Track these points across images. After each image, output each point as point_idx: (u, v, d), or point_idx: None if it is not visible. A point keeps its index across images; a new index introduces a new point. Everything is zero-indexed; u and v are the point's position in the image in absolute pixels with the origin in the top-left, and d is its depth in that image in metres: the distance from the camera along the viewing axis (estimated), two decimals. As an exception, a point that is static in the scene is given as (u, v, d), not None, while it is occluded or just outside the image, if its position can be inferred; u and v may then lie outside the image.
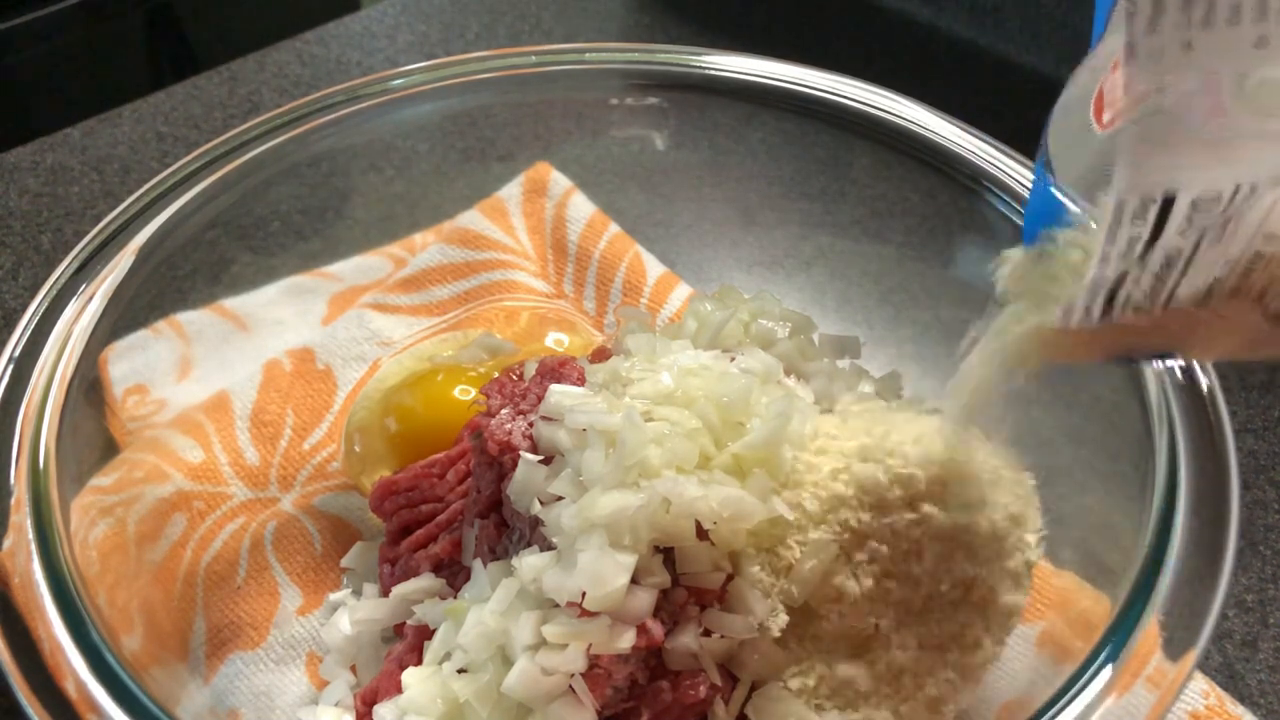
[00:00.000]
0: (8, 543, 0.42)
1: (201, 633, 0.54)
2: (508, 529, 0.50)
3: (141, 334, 0.56)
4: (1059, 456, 0.53)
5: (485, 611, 0.44)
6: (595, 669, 0.42)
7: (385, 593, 0.54)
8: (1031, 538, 0.47)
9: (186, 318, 0.62)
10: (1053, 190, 0.39)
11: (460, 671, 0.44)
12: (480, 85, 0.65)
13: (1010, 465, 0.50)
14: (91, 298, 0.51)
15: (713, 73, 0.65)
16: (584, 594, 0.41)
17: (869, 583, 0.45)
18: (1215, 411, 0.46)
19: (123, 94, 0.97)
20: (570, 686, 0.42)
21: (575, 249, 0.75)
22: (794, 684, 0.45)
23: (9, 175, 0.87)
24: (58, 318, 0.49)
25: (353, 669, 0.53)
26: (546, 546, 0.45)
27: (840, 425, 0.50)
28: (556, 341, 0.68)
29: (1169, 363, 0.47)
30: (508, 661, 0.43)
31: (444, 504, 0.55)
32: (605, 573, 0.41)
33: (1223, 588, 0.40)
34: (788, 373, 0.55)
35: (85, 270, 0.52)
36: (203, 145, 0.59)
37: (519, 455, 0.47)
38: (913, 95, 0.62)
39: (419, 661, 0.48)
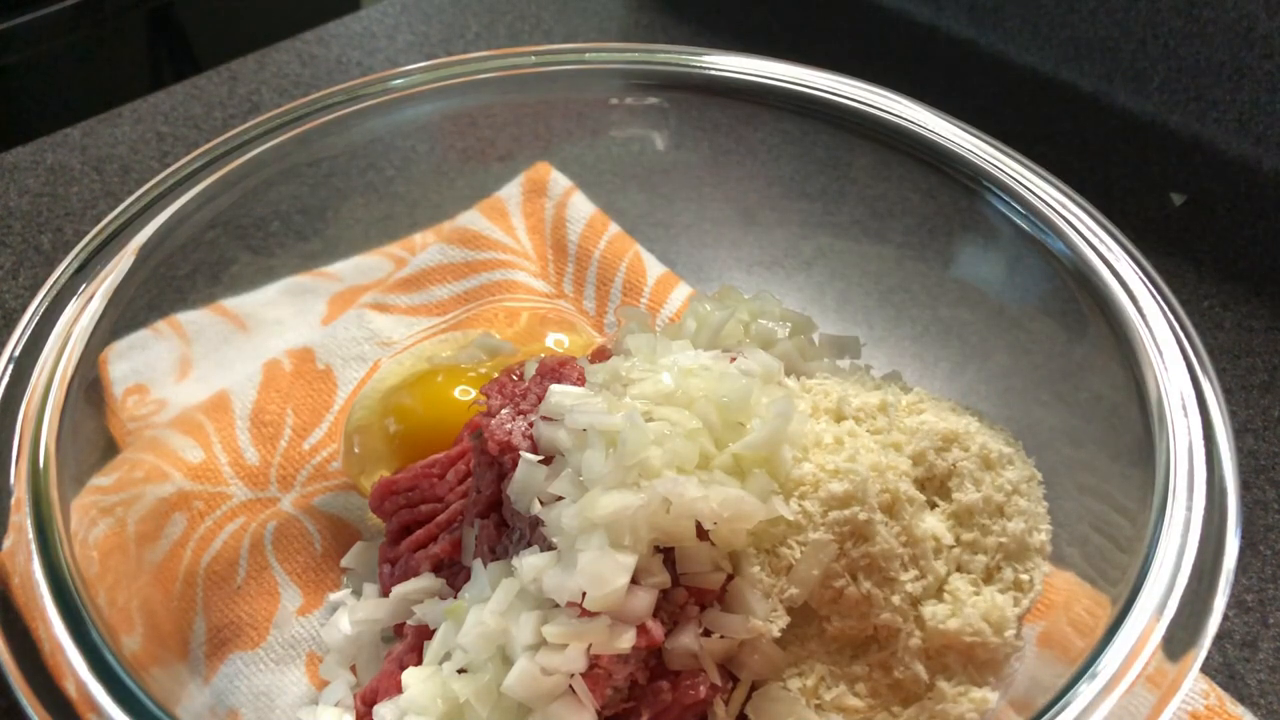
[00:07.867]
0: (8, 543, 0.41)
1: (201, 633, 0.54)
2: (508, 529, 0.50)
3: (141, 334, 0.56)
4: (1059, 456, 0.53)
5: (485, 611, 0.44)
6: (595, 669, 0.42)
7: (385, 593, 0.54)
8: (1042, 536, 0.47)
9: (186, 318, 0.62)
10: None
11: (460, 671, 0.44)
12: (480, 85, 0.65)
13: (1022, 463, 0.50)
14: (91, 298, 0.51)
15: (713, 73, 0.65)
16: (584, 594, 0.41)
17: (869, 584, 0.45)
18: (1215, 411, 0.46)
19: (123, 94, 0.97)
20: (570, 686, 0.42)
21: (575, 249, 0.75)
22: (794, 684, 0.45)
23: (9, 175, 0.87)
24: (58, 318, 0.49)
25: (353, 669, 0.53)
26: (546, 546, 0.45)
27: (844, 423, 0.50)
28: (556, 342, 0.68)
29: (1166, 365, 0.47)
30: (508, 661, 0.43)
31: (444, 504, 0.54)
32: (605, 573, 0.41)
33: (1224, 588, 0.40)
34: (788, 373, 0.55)
35: (85, 270, 0.51)
36: (203, 145, 0.59)
37: (519, 455, 0.47)
38: (913, 95, 0.62)
39: (419, 661, 0.48)
